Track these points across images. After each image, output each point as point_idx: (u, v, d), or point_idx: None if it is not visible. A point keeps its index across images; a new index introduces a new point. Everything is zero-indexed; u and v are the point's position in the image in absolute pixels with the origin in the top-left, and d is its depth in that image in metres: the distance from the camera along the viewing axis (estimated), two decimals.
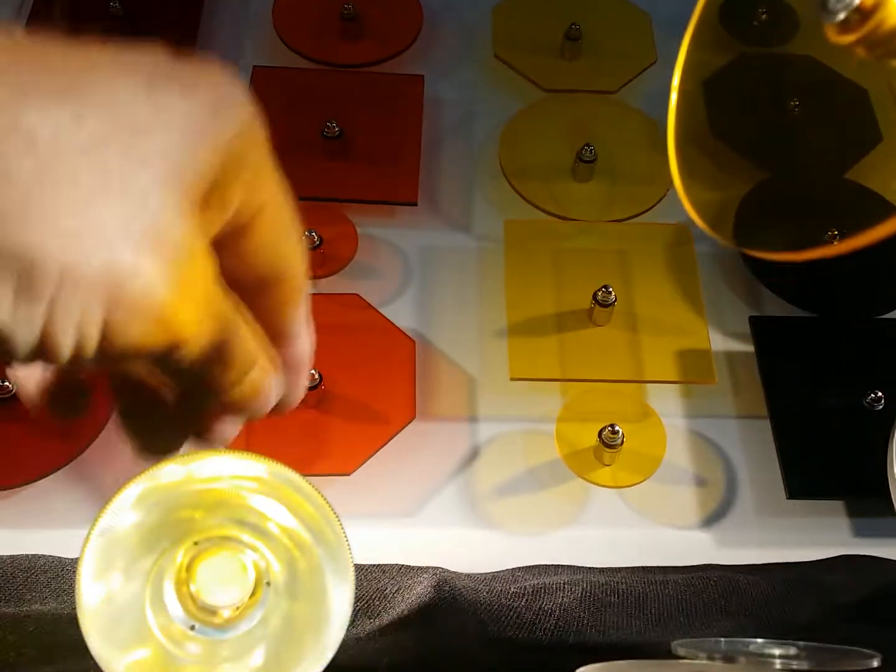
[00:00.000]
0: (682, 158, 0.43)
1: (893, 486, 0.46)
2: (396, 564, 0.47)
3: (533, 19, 0.71)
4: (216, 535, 0.40)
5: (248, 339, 0.24)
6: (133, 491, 0.38)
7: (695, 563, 0.48)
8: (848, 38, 0.34)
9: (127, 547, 0.39)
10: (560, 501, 0.51)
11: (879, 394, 0.52)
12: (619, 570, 0.48)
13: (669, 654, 0.39)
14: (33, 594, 0.43)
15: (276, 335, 0.26)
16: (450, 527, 0.50)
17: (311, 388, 0.50)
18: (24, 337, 0.19)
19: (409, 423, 0.51)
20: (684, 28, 0.41)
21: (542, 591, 0.45)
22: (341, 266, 0.59)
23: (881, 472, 0.46)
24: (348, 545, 0.40)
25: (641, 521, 0.51)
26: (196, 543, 0.40)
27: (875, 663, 0.37)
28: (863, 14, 0.32)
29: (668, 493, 0.52)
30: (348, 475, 0.50)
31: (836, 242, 0.31)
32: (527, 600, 0.44)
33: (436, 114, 0.67)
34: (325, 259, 0.58)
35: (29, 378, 0.27)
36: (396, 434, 0.50)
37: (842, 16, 0.33)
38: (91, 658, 0.36)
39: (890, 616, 0.45)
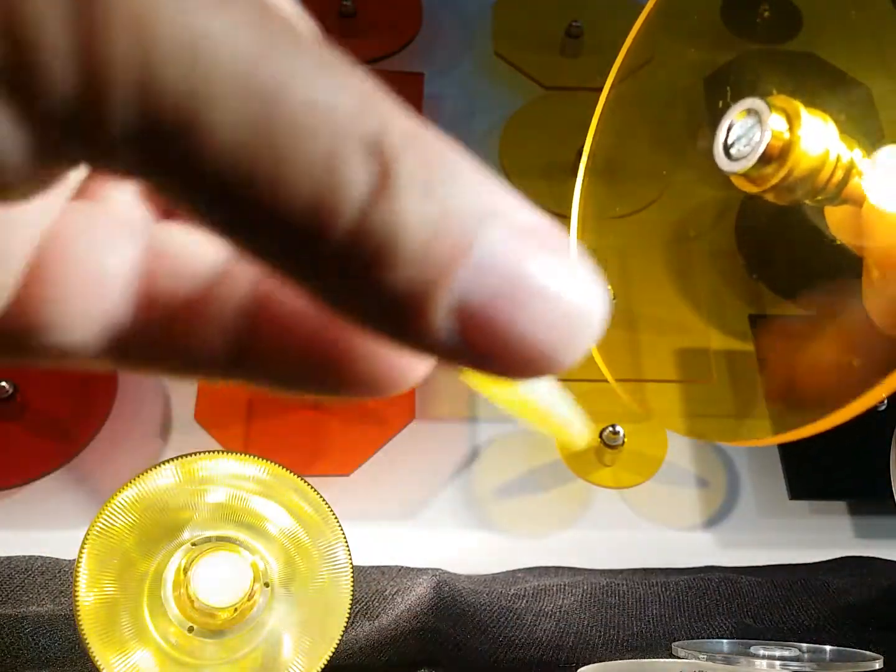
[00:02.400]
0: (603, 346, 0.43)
1: None
2: (396, 566, 0.46)
3: (533, 16, 0.71)
4: (214, 536, 0.40)
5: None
6: (131, 492, 0.38)
7: (696, 565, 0.48)
8: (756, 189, 0.30)
9: (125, 548, 0.38)
10: (560, 502, 0.51)
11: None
12: (620, 571, 0.48)
13: (670, 655, 0.39)
14: (30, 596, 0.43)
15: None
16: (449, 528, 0.50)
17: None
18: None
19: (408, 423, 0.51)
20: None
21: (543, 592, 0.45)
22: None
23: (884, 472, 0.46)
24: (347, 546, 0.40)
25: (642, 522, 0.50)
26: (194, 545, 0.40)
27: (877, 665, 0.37)
28: (770, 161, 0.29)
29: (669, 494, 0.51)
30: (347, 476, 0.49)
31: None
32: (527, 602, 0.44)
33: (435, 111, 0.67)
34: None
35: None
36: (395, 435, 0.50)
37: (748, 163, 0.30)
38: (89, 660, 0.36)
39: (892, 618, 0.45)
